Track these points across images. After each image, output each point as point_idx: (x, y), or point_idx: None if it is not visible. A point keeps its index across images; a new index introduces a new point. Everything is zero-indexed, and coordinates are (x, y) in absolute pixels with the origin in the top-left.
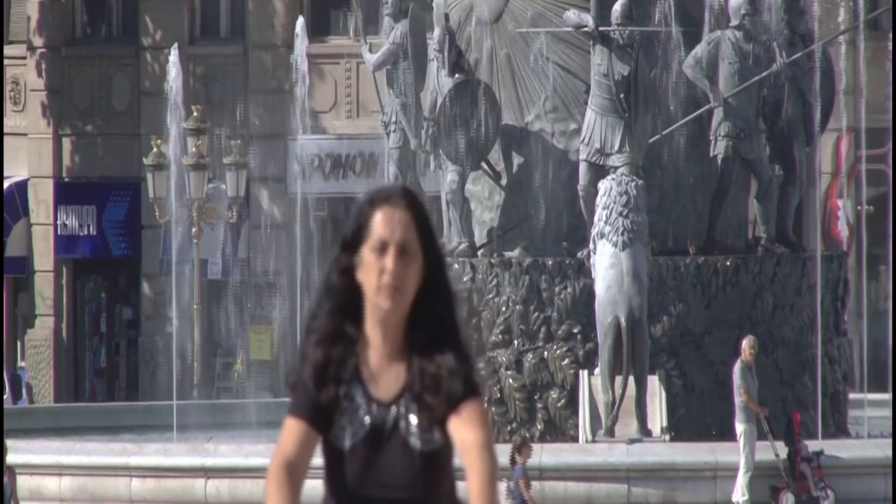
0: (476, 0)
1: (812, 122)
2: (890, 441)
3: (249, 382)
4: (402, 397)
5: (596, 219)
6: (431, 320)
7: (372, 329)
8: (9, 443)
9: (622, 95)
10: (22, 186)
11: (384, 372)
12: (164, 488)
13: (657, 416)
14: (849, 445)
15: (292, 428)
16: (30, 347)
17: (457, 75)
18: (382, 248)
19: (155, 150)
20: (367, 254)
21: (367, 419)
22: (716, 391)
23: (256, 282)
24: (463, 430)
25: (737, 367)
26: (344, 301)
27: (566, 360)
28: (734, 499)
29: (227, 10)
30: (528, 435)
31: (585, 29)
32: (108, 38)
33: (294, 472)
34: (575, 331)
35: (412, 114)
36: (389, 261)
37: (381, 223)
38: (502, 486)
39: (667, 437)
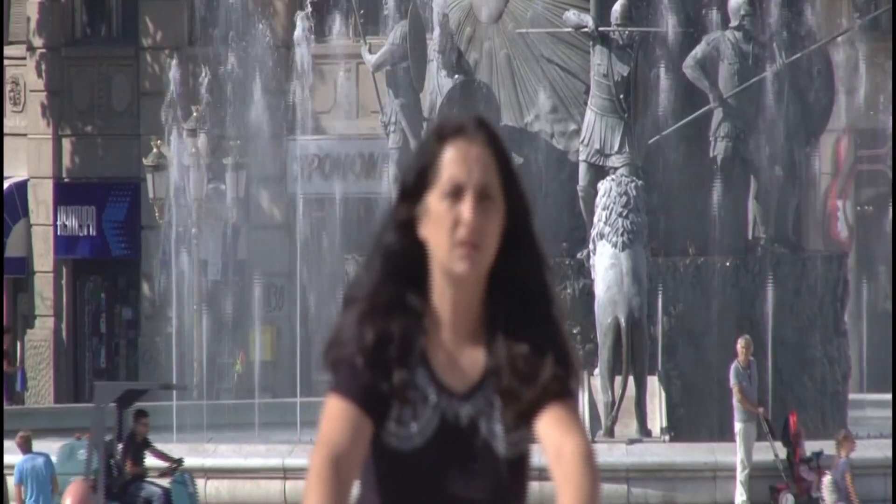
0: (476, 0)
1: (812, 123)
2: (890, 441)
3: (247, 383)
4: (481, 388)
5: (595, 219)
6: (516, 288)
7: (441, 300)
8: (8, 444)
9: (622, 96)
10: (22, 187)
11: (458, 355)
12: None
13: (657, 417)
14: None
15: (339, 411)
16: (30, 348)
17: (457, 76)
18: (456, 194)
19: (155, 150)
20: (434, 202)
21: (437, 415)
22: (715, 391)
23: (256, 282)
24: (558, 434)
25: (732, 368)
26: (403, 264)
27: None
28: (736, 500)
29: (228, 11)
30: None
31: (585, 29)
32: (108, 38)
33: (344, 467)
34: (574, 331)
35: (412, 114)
36: (466, 209)
37: (453, 161)
38: (826, 479)
39: (666, 438)
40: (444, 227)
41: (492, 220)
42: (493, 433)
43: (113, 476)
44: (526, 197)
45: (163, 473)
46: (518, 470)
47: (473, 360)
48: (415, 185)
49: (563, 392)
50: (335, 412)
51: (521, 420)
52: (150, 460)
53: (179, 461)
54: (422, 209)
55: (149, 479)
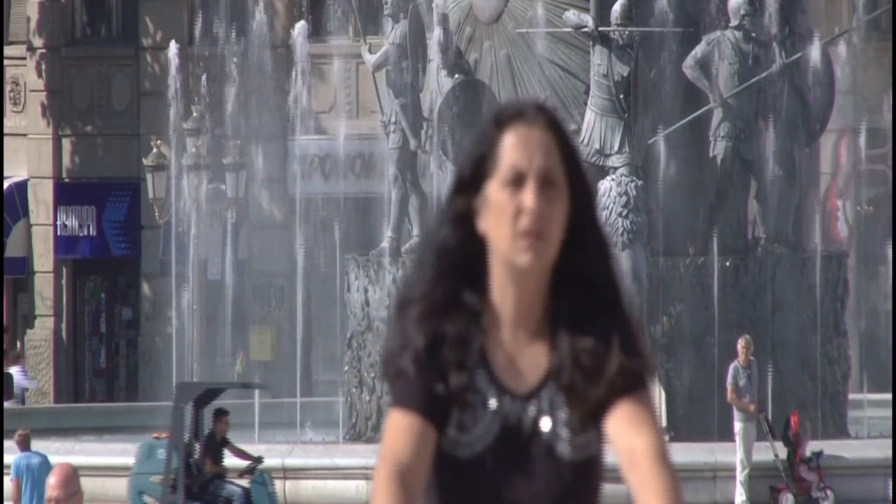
0: (476, 0)
1: (812, 122)
2: (890, 441)
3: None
4: (544, 387)
5: None
6: (582, 281)
7: (501, 297)
8: (8, 444)
9: (622, 96)
10: (22, 187)
11: (520, 354)
12: None
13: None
14: (849, 446)
15: (401, 424)
16: (30, 348)
17: (457, 75)
18: (517, 181)
19: (155, 150)
20: (494, 191)
21: (499, 418)
22: (715, 391)
23: (256, 282)
24: (629, 434)
25: (731, 367)
26: (460, 260)
27: None
28: (736, 500)
29: (227, 11)
30: None
31: (585, 29)
32: (108, 38)
33: (410, 482)
34: None
35: (412, 114)
36: (528, 196)
37: (513, 147)
38: None
39: (666, 438)
40: (505, 217)
41: (556, 207)
42: (557, 436)
43: (192, 475)
44: (590, 185)
45: (242, 473)
46: (587, 474)
47: (536, 358)
48: (472, 176)
49: (632, 386)
50: (395, 425)
51: (588, 420)
52: (230, 459)
53: (259, 460)
54: (480, 201)
55: (228, 479)
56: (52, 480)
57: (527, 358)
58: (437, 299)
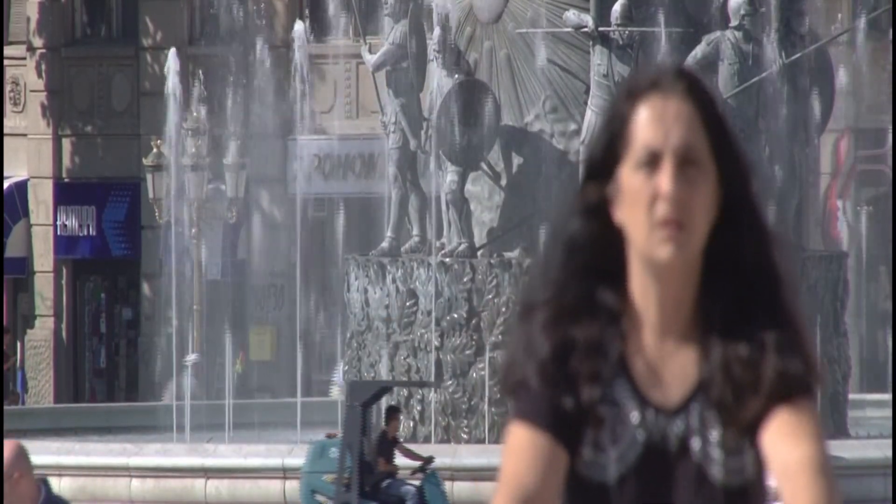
0: (476, 0)
1: (811, 122)
2: (890, 441)
3: (247, 383)
4: (694, 401)
5: None
6: (737, 276)
7: (643, 297)
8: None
9: None
10: (22, 187)
11: (666, 362)
12: (163, 488)
13: None
14: (849, 446)
15: (523, 443)
16: (30, 348)
17: (457, 75)
18: (653, 162)
19: (154, 150)
20: (627, 175)
21: (642, 435)
22: None
23: (256, 282)
24: (786, 446)
25: None
26: (595, 256)
27: None
28: None
29: (227, 11)
30: None
31: (585, 29)
32: (108, 38)
33: None
34: None
35: (412, 114)
36: (665, 179)
37: (647, 123)
38: None
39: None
40: (640, 204)
41: (699, 190)
42: (708, 457)
43: (365, 474)
44: (744, 159)
45: (415, 472)
46: (743, 501)
47: (684, 367)
48: (604, 159)
49: (792, 393)
50: (518, 444)
51: (744, 439)
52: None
53: (430, 459)
54: (614, 187)
55: (400, 478)
56: None
57: (673, 366)
58: (568, 301)
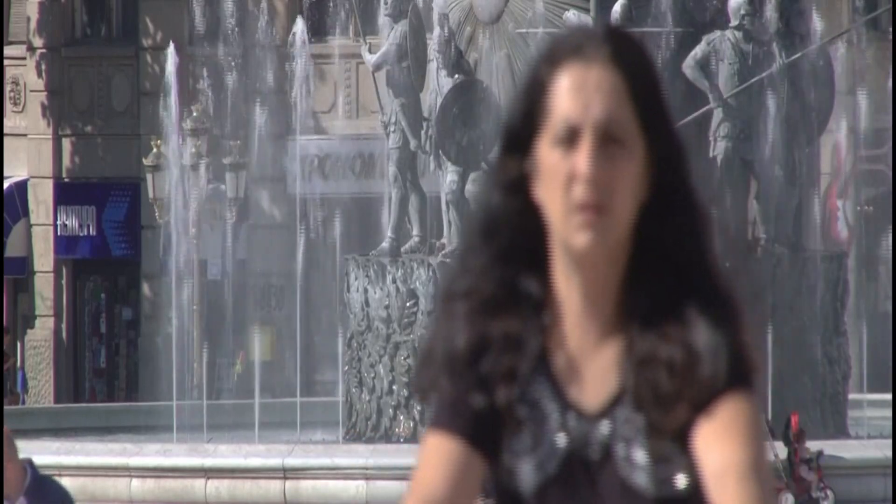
0: (476, 0)
1: (811, 122)
2: (890, 441)
3: (247, 383)
4: (619, 403)
5: None
6: (668, 264)
7: (566, 286)
8: None
9: None
10: (22, 187)
11: (588, 359)
12: (164, 489)
13: None
14: (849, 446)
15: (434, 450)
16: (30, 348)
17: (457, 75)
18: (571, 138)
19: (154, 150)
20: (544, 151)
21: (562, 440)
22: None
23: (256, 282)
24: (713, 448)
25: None
26: (516, 238)
27: None
28: None
29: (227, 11)
30: None
31: None
32: (108, 38)
33: None
34: None
35: (412, 114)
36: (583, 158)
37: (566, 94)
38: None
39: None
40: (556, 184)
41: (623, 171)
42: (633, 464)
43: None
44: (677, 135)
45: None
46: None
47: (608, 365)
48: (522, 131)
49: (723, 391)
50: (429, 451)
51: (674, 445)
52: None
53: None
54: (533, 163)
55: None
56: None
57: (597, 364)
58: (490, 289)
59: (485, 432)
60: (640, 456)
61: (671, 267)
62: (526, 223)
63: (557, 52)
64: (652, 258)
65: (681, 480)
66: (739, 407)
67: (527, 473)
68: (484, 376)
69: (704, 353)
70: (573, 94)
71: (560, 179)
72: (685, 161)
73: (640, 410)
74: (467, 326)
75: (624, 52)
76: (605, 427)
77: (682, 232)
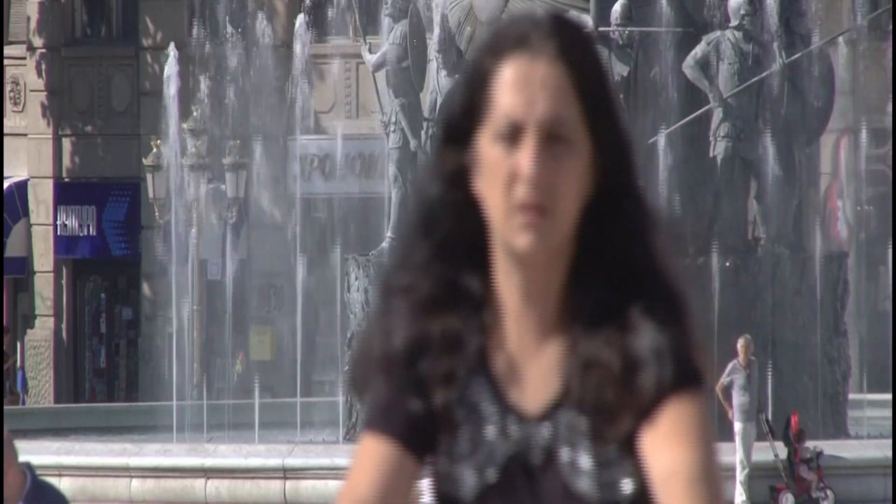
0: (476, 0)
1: (811, 122)
2: (890, 441)
3: (247, 383)
4: (561, 406)
5: None
6: (612, 265)
7: (507, 285)
8: None
9: (622, 96)
10: (22, 187)
11: (529, 360)
12: (164, 489)
13: None
14: (848, 446)
15: (367, 453)
16: (30, 348)
17: (457, 76)
18: (514, 135)
19: (154, 150)
20: (485, 146)
21: (503, 445)
22: (715, 392)
23: (256, 282)
24: (660, 451)
25: (729, 366)
26: (456, 233)
27: None
28: (735, 501)
29: (228, 11)
30: None
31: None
32: (108, 38)
33: None
34: None
35: (412, 114)
36: (526, 158)
37: (509, 89)
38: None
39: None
40: (497, 182)
41: (567, 170)
42: (577, 468)
43: None
44: (624, 133)
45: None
46: None
47: (549, 367)
48: (462, 122)
49: (669, 393)
50: (362, 454)
51: (619, 448)
52: None
53: None
54: (473, 156)
55: None
56: None
57: (538, 365)
58: (429, 286)
59: (420, 435)
60: (584, 460)
61: (616, 267)
62: (465, 217)
63: (501, 43)
64: (596, 258)
65: (626, 485)
66: (686, 409)
67: (466, 478)
68: (421, 377)
69: (648, 357)
70: (517, 90)
71: (501, 177)
72: (632, 159)
73: (583, 414)
74: (405, 324)
75: (571, 46)
76: (546, 430)
77: (627, 231)
